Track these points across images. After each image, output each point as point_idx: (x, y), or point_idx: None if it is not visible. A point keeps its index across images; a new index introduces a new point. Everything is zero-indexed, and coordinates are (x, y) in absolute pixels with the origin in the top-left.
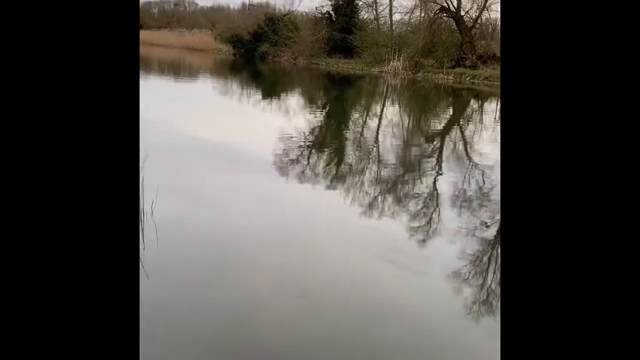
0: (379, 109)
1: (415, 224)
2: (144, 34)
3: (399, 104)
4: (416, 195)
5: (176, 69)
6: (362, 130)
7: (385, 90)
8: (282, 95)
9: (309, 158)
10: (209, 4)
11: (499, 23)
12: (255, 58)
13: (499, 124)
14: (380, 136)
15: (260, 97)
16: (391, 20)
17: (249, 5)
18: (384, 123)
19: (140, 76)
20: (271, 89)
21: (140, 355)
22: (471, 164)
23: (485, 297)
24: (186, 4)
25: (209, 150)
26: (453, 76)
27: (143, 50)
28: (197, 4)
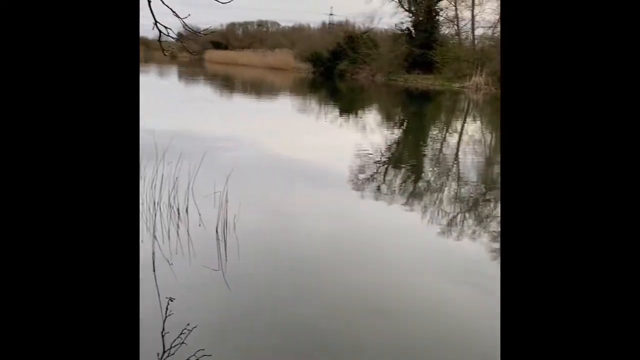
0: (459, 125)
1: (498, 245)
2: (228, 54)
3: (481, 120)
4: (499, 214)
5: (258, 88)
6: (441, 146)
7: (466, 106)
8: (360, 112)
9: (385, 175)
10: (290, 24)
11: None
12: (333, 76)
13: None
14: (460, 153)
15: (338, 114)
16: (473, 35)
17: (328, 24)
18: (465, 139)
19: (224, 95)
20: (349, 106)
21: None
22: None
23: None
24: (269, 25)
25: (286, 165)
26: None
27: (228, 70)
28: (279, 25)
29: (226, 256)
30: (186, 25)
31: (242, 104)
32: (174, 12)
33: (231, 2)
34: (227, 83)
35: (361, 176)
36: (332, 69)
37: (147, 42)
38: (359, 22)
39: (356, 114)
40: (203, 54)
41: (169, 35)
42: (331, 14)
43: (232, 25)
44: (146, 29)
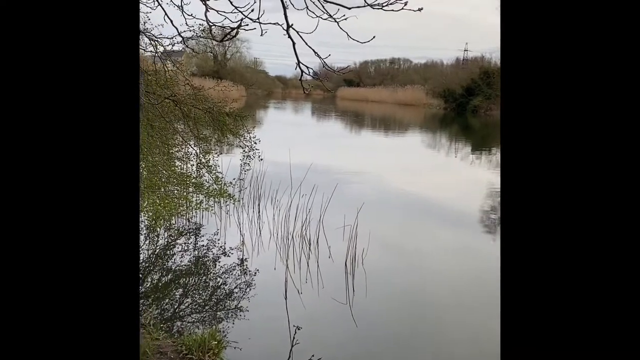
0: None
1: None
2: (359, 91)
3: None
4: None
5: (387, 124)
6: None
7: None
8: (494, 148)
9: None
10: (423, 61)
11: None
12: (466, 112)
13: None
14: None
15: (470, 150)
16: None
17: (463, 60)
18: None
19: (352, 130)
20: (482, 142)
21: None
22: None
23: None
24: (401, 62)
25: (414, 203)
26: None
27: (358, 106)
28: (411, 62)
29: (354, 290)
30: (326, 65)
31: (371, 139)
32: (316, 53)
33: (364, 41)
34: (357, 119)
35: (493, 217)
36: (465, 105)
37: (285, 80)
38: (495, 57)
39: (489, 151)
40: (336, 91)
41: (309, 75)
42: (466, 50)
43: (365, 63)
44: (286, 69)
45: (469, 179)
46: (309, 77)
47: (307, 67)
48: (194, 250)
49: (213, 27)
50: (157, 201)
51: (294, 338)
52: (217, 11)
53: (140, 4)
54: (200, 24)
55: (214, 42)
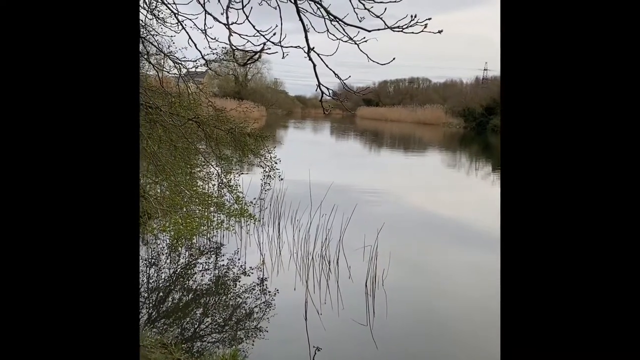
0: None
1: None
2: (378, 110)
3: None
4: None
5: (406, 143)
6: None
7: None
8: None
9: None
10: (442, 80)
11: None
12: (486, 131)
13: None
14: None
15: (490, 169)
16: None
17: (482, 79)
18: None
19: (371, 149)
20: None
21: None
22: None
23: None
24: (420, 82)
25: (435, 223)
26: None
27: (377, 125)
28: (430, 81)
29: (374, 312)
30: (346, 86)
31: (390, 158)
32: (337, 75)
33: (384, 63)
34: (376, 138)
35: None
36: (485, 124)
37: (304, 100)
38: None
39: None
40: (355, 110)
41: (329, 95)
42: (485, 69)
43: (384, 83)
44: (306, 89)
45: (489, 198)
46: (328, 98)
47: (327, 89)
48: (215, 270)
49: (235, 50)
50: (179, 220)
51: (313, 359)
52: (239, 35)
53: (164, 27)
54: (223, 47)
55: (237, 65)
